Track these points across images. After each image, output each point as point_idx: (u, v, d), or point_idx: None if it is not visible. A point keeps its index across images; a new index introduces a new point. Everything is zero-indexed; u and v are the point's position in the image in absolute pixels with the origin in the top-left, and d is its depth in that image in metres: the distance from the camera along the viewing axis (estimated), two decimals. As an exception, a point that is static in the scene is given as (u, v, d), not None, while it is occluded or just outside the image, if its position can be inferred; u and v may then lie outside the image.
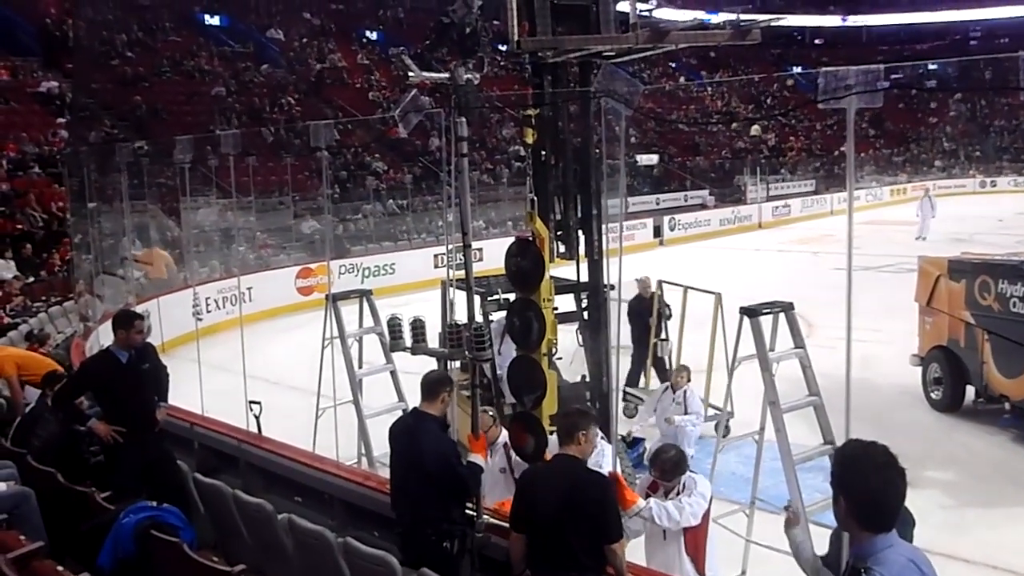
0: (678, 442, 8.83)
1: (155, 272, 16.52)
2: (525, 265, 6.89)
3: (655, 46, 7.47)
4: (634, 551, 5.27)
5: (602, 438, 6.17)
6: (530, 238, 6.93)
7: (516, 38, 7.08)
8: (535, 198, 7.21)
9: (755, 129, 42.00)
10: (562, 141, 7.76)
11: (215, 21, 32.40)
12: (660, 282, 11.01)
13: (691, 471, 5.54)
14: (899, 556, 2.66)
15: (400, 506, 5.06)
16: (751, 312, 5.70)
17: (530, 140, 7.43)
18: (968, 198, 39.91)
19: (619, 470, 5.48)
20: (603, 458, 5.93)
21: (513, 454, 6.19)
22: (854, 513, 2.71)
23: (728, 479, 7.47)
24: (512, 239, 7.20)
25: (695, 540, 5.30)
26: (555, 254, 7.75)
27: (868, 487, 2.69)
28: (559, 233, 7.84)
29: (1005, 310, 9.24)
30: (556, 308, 7.28)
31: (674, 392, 8.76)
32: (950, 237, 23.27)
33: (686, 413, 8.70)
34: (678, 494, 5.34)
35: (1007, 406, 9.44)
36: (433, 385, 5.06)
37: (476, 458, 5.06)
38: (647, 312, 11.04)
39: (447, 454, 4.90)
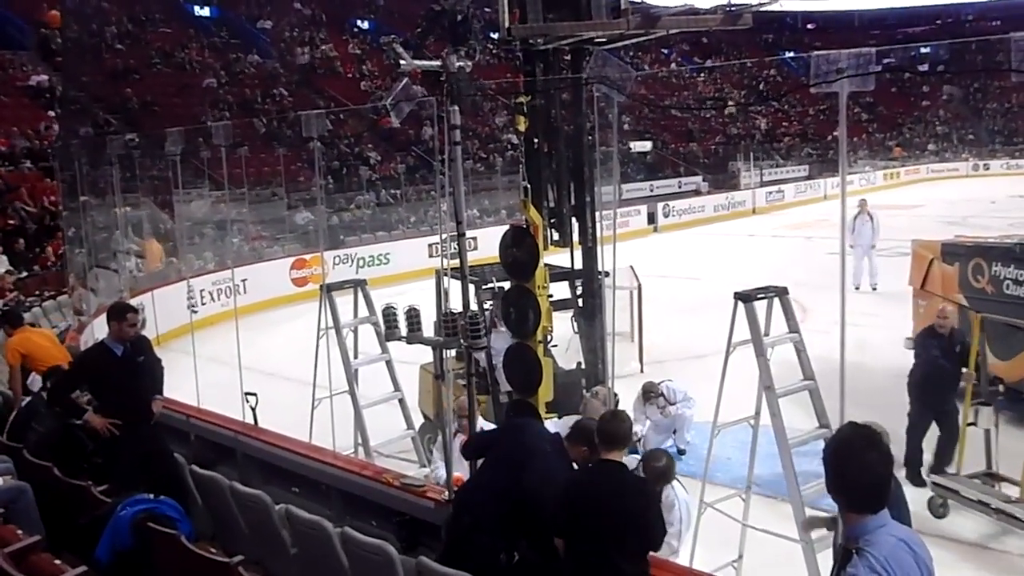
0: (677, 429, 8.91)
1: (151, 263, 16.50)
2: (520, 254, 6.89)
3: (646, 32, 7.45)
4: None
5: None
6: (524, 226, 6.93)
7: (507, 25, 7.06)
8: (528, 186, 7.20)
9: (729, 109, 42.21)
10: (555, 128, 7.75)
11: (205, 12, 32.24)
12: (963, 307, 8.12)
13: (677, 478, 5.53)
14: (890, 536, 2.69)
15: (465, 505, 4.81)
16: (745, 297, 5.71)
17: (522, 128, 7.42)
18: (961, 181, 40.00)
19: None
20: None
21: None
22: (840, 494, 2.75)
23: (724, 464, 7.49)
24: (506, 227, 7.21)
25: None
26: (549, 242, 7.75)
27: (852, 470, 2.73)
28: (553, 220, 7.84)
29: (999, 292, 9.25)
30: (551, 296, 7.29)
31: (650, 404, 8.82)
32: (943, 220, 23.32)
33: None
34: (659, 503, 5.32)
35: (1000, 388, 9.47)
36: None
37: None
38: (951, 355, 7.61)
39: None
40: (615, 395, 6.90)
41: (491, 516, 4.56)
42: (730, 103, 42.61)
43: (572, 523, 4.26)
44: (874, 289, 15.74)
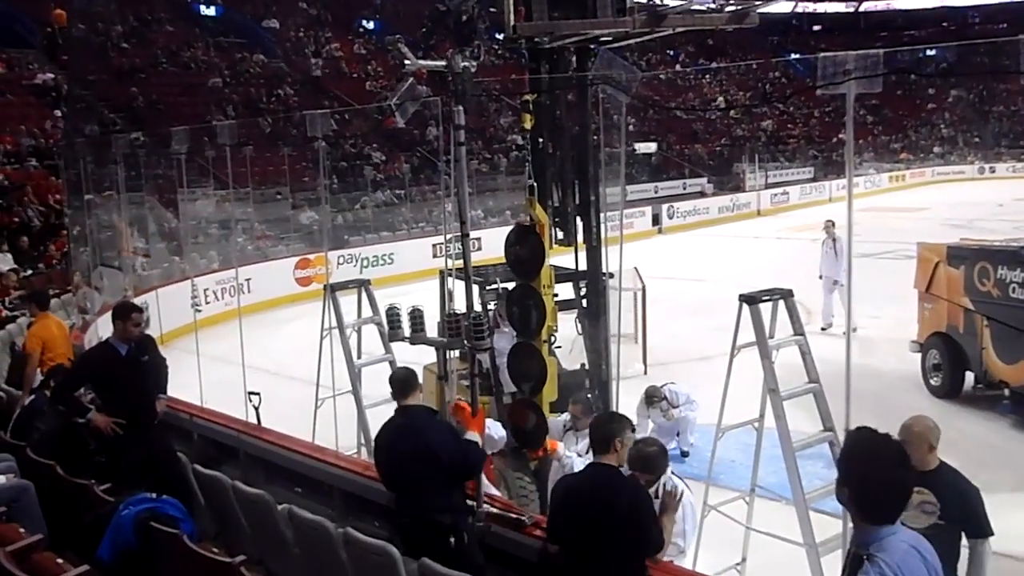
0: (680, 431, 8.89)
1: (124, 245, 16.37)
2: (524, 252, 6.86)
3: (652, 30, 7.42)
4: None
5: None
6: (530, 223, 6.91)
7: (512, 24, 7.04)
8: (534, 184, 7.17)
9: (719, 104, 42.28)
10: (560, 128, 7.73)
11: (211, 12, 32.25)
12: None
13: (674, 473, 5.33)
14: (901, 543, 2.65)
15: (402, 500, 4.93)
16: (750, 299, 5.68)
17: (528, 125, 7.39)
18: (967, 184, 39.92)
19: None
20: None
21: None
22: (856, 503, 2.71)
23: (728, 467, 7.46)
24: (511, 228, 7.19)
25: None
26: (553, 241, 7.73)
27: (869, 480, 2.67)
28: (557, 220, 7.81)
29: (1004, 296, 9.23)
30: (556, 295, 7.26)
31: (653, 407, 8.80)
32: (949, 223, 23.28)
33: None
34: (657, 496, 5.25)
35: (1006, 392, 9.44)
36: (411, 382, 5.21)
37: (472, 435, 5.00)
38: None
39: (453, 438, 4.87)
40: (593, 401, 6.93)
41: (427, 499, 4.68)
42: (719, 99, 42.55)
43: (567, 527, 4.25)
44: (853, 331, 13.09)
